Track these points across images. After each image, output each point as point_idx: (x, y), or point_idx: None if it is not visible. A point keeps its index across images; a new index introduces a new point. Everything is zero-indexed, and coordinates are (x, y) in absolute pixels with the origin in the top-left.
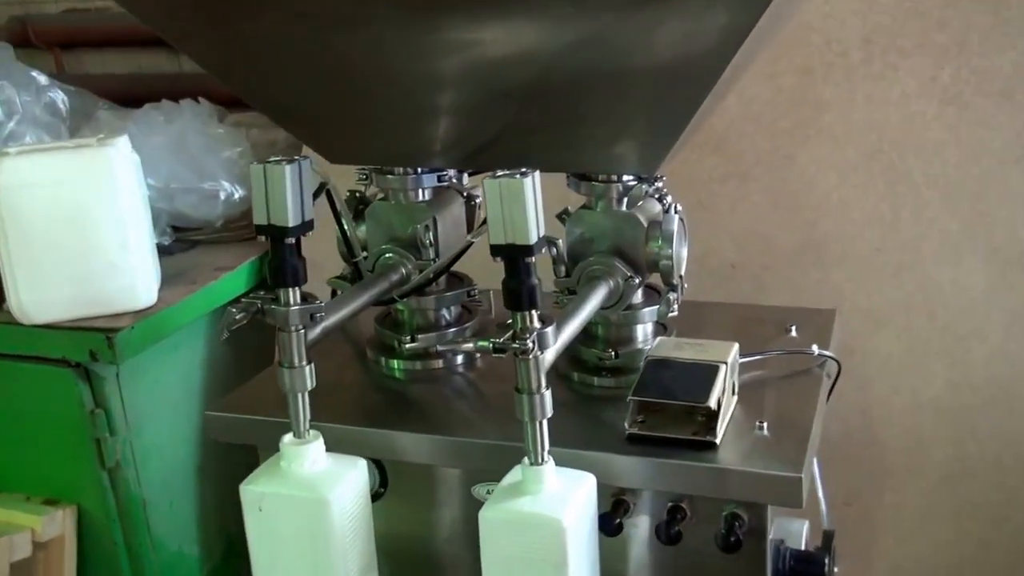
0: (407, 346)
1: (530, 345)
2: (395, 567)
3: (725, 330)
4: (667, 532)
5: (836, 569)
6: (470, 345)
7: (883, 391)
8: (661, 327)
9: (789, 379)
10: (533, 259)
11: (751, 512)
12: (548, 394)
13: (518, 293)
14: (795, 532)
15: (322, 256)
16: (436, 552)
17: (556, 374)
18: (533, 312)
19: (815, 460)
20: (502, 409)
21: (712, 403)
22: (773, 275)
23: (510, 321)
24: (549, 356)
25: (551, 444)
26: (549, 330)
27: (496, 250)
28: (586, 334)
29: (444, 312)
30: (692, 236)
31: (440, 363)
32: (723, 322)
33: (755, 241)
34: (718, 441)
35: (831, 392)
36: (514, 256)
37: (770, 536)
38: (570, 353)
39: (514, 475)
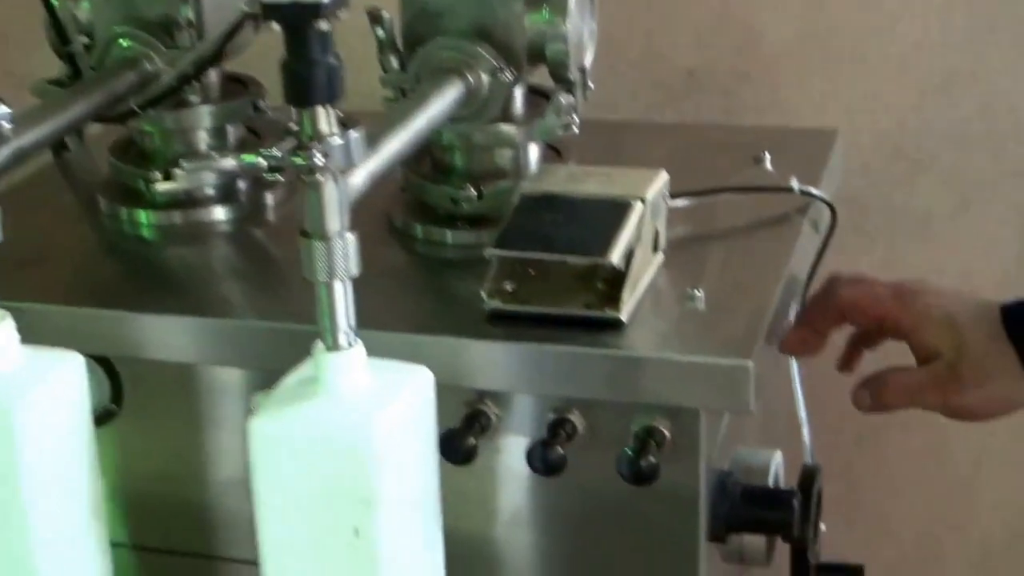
0: (159, 188)
1: (319, 160)
2: (141, 523)
3: (662, 161)
4: (545, 457)
5: (822, 525)
6: (232, 162)
7: (918, 262)
8: (554, 152)
9: (750, 231)
10: (328, 25)
11: (675, 425)
12: (352, 240)
13: (303, 79)
14: (760, 466)
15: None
16: (203, 500)
17: (391, 228)
18: (329, 110)
19: (792, 359)
20: (304, 282)
21: (615, 258)
22: (754, 89)
23: (293, 124)
24: (356, 180)
25: (373, 327)
26: (352, 139)
27: (269, 10)
28: (436, 165)
29: (215, 136)
30: (623, 22)
31: (215, 214)
32: (661, 150)
33: (728, 33)
34: (624, 317)
35: (822, 254)
36: (297, 19)
37: (704, 461)
38: (414, 196)
39: (305, 369)
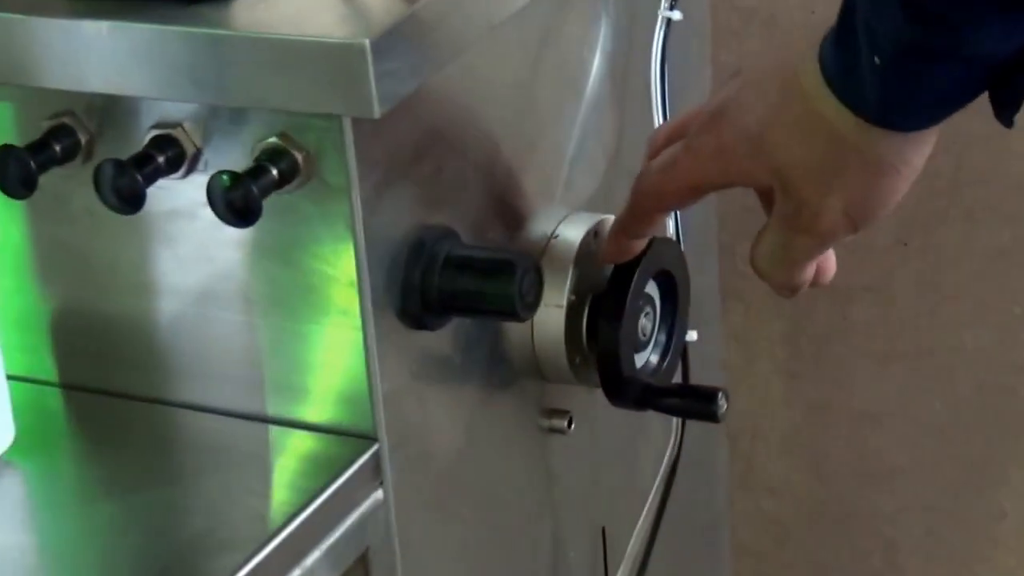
0: None
1: None
2: None
3: None
4: (115, 186)
5: (691, 334)
6: None
7: None
8: None
9: None
10: None
11: (322, 149)
12: None
13: None
14: (566, 235)
15: None
16: None
17: None
18: None
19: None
20: None
21: None
22: None
23: None
24: None
25: None
26: None
27: None
28: None
29: None
30: None
31: None
32: None
33: None
34: None
35: None
36: None
37: (361, 199)
38: None
39: None
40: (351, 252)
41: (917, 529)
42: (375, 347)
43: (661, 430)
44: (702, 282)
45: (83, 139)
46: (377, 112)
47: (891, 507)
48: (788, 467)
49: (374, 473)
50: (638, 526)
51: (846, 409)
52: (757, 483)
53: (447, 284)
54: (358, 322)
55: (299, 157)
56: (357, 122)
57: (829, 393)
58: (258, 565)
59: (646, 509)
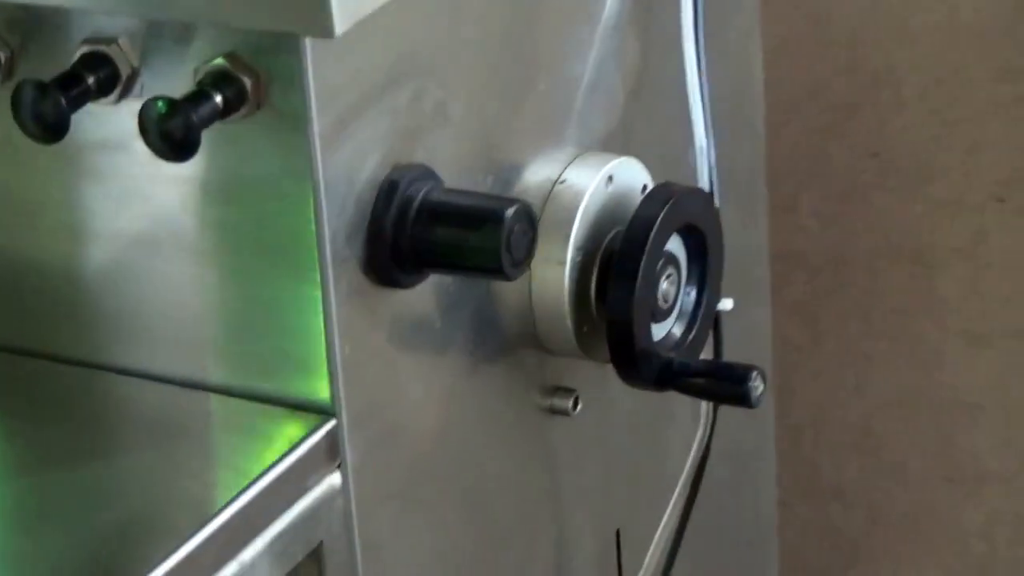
0: None
1: None
2: None
3: None
4: (36, 111)
5: (726, 302)
6: None
7: None
8: None
9: None
10: None
11: (275, 76)
12: None
13: None
14: (575, 182)
15: None
16: None
17: None
18: None
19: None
20: None
21: None
22: None
23: None
24: None
25: None
26: None
27: None
28: None
29: None
30: None
31: None
32: None
33: None
34: None
35: None
36: None
37: (318, 129)
38: None
39: None
40: (308, 194)
41: (1013, 544)
42: (335, 305)
43: (689, 416)
44: (747, 241)
45: (2, 56)
46: (338, 30)
47: (982, 518)
48: (859, 468)
49: (330, 453)
50: (660, 529)
51: (930, 400)
52: (822, 487)
53: (422, 234)
54: (316, 276)
55: (247, 82)
56: (316, 42)
57: (910, 380)
58: (188, 557)
59: (669, 509)
